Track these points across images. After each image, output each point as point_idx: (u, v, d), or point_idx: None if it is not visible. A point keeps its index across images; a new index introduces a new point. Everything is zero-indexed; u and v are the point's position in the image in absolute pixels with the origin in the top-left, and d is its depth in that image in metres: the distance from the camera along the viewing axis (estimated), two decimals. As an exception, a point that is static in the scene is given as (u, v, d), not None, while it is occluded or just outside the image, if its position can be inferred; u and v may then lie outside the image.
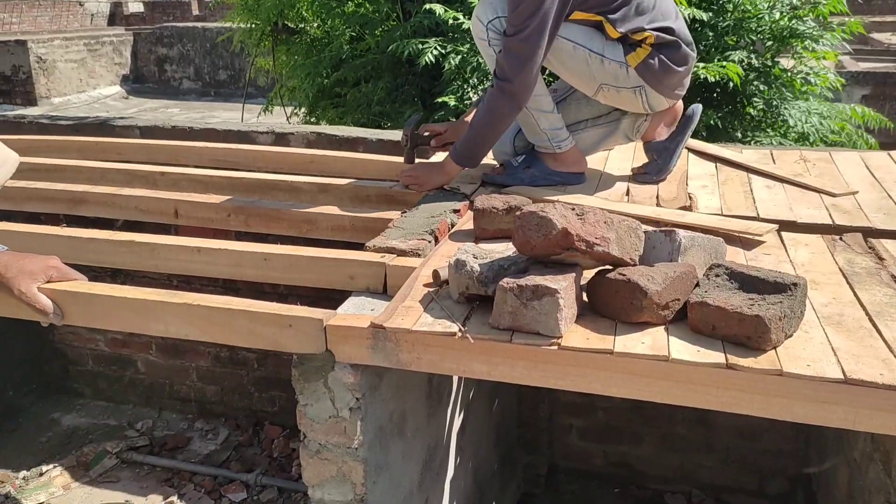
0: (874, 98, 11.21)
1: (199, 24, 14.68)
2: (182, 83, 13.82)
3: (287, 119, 6.65)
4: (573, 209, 1.39)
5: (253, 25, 5.64)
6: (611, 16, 2.03)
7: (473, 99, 3.92)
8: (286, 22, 5.64)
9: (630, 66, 2.06)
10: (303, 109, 6.04)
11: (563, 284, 1.31)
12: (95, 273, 2.30)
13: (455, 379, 2.10)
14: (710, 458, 2.85)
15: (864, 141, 3.90)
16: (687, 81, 2.19)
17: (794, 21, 3.33)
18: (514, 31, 1.98)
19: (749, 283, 1.31)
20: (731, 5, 3.39)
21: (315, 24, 5.42)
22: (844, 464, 2.15)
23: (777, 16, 3.31)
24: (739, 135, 3.36)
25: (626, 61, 2.06)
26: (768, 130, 3.48)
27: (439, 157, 2.45)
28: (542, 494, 2.95)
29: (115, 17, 21.78)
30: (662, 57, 2.06)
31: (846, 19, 3.80)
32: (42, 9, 20.28)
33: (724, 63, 3.21)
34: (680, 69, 2.10)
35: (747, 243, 1.76)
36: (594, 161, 2.41)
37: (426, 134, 2.40)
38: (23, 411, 3.45)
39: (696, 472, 2.88)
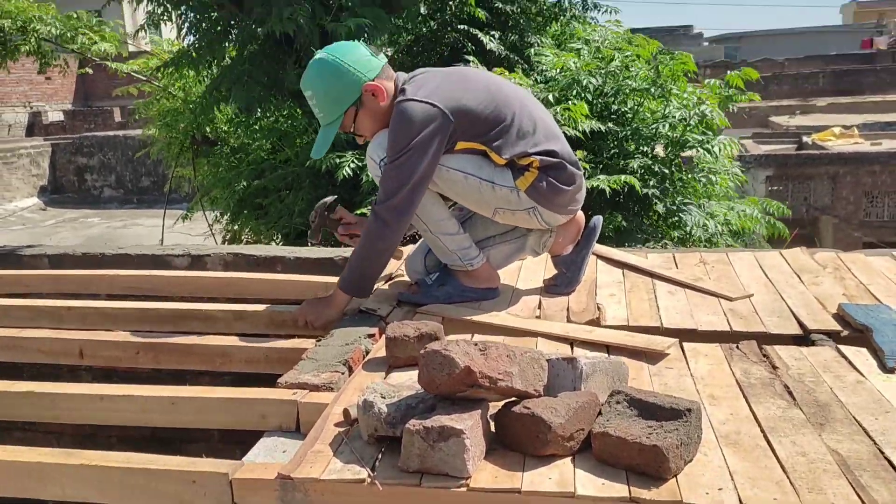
0: (777, 178, 11.97)
1: (120, 133, 14.61)
2: (103, 191, 13.62)
3: (209, 226, 6.62)
4: (476, 344, 1.42)
5: (171, 138, 5.68)
6: (493, 144, 2.13)
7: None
8: (206, 134, 5.69)
9: (520, 189, 2.15)
10: (225, 217, 6.03)
11: (468, 423, 1.32)
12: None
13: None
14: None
15: (771, 226, 4.15)
16: (580, 196, 2.29)
17: (687, 130, 3.56)
18: (389, 159, 2.07)
19: (648, 409, 1.35)
20: (628, 117, 3.61)
21: (234, 137, 5.49)
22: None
23: (667, 127, 3.55)
24: (645, 236, 3.52)
25: (515, 186, 2.15)
26: (672, 232, 3.66)
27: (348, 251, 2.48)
28: None
29: (34, 126, 21.46)
30: (550, 178, 2.16)
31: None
32: (-44, 121, 19.84)
33: (624, 176, 3.39)
34: (568, 188, 2.19)
35: (651, 356, 1.81)
36: (507, 273, 2.47)
37: (337, 217, 2.39)
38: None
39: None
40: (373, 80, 2.10)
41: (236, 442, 2.33)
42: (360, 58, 2.12)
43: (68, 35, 5.21)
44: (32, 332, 2.29)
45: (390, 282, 2.50)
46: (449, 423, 1.31)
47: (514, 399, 1.43)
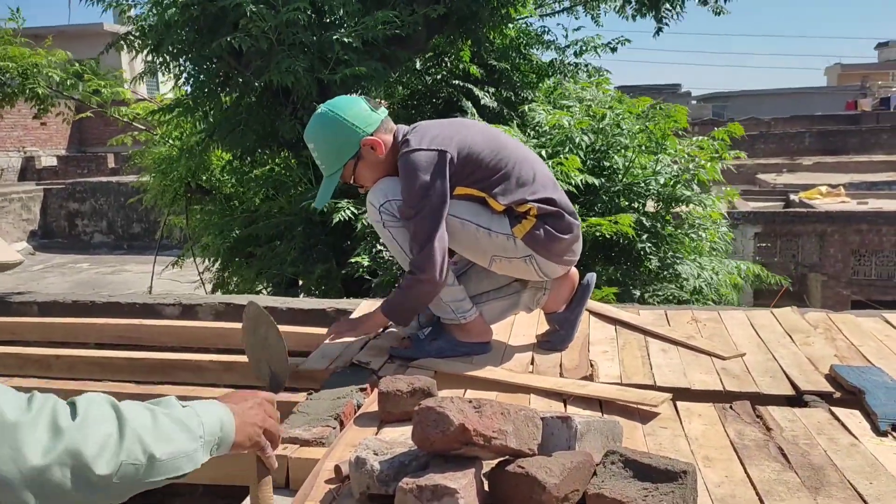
0: (765, 235, 12.11)
1: (113, 179, 14.67)
2: (93, 237, 13.59)
3: (199, 274, 6.60)
4: (470, 402, 1.41)
5: (165, 186, 5.70)
6: (492, 190, 2.16)
7: (386, 257, 4.01)
8: (200, 182, 5.73)
9: (517, 237, 2.17)
10: (216, 265, 6.02)
11: (462, 482, 1.30)
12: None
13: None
14: None
15: (769, 275, 4.19)
16: (577, 248, 2.30)
17: (677, 186, 3.62)
18: (411, 211, 2.10)
19: (643, 471, 1.34)
20: (620, 173, 3.67)
21: (228, 185, 5.52)
22: None
23: (661, 181, 3.60)
24: (639, 291, 3.54)
25: (512, 233, 2.17)
26: (666, 284, 3.68)
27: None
28: None
29: (27, 171, 21.51)
30: (547, 227, 2.18)
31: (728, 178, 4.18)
32: (-52, 164, 19.89)
33: (617, 219, 3.43)
34: (566, 237, 2.21)
35: (645, 415, 1.80)
36: (499, 328, 2.47)
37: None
38: None
39: None
40: (371, 135, 2.15)
41: (221, 497, 2.29)
42: (360, 112, 2.17)
43: (68, 82, 5.27)
44: (20, 380, 2.26)
45: (382, 333, 2.49)
46: (443, 482, 1.30)
47: (508, 458, 1.42)
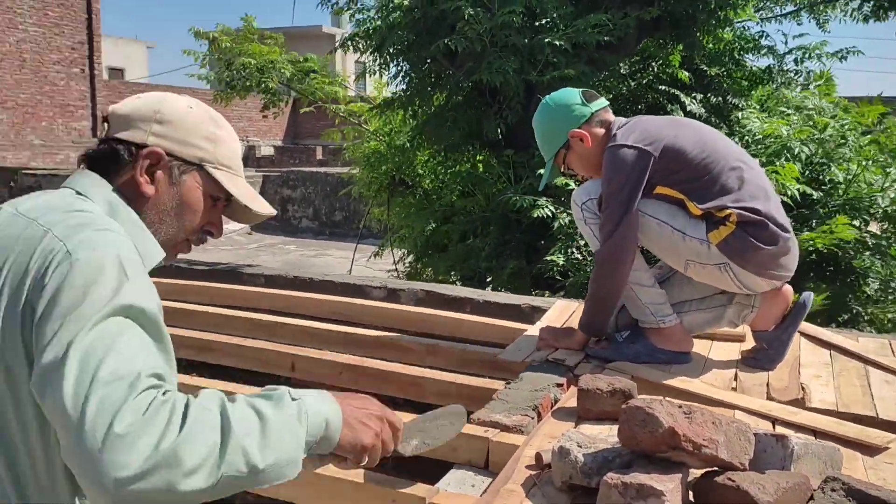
0: None
1: (321, 170, 15.84)
2: (301, 222, 14.78)
3: (394, 264, 6.98)
4: (680, 406, 1.40)
5: (372, 179, 6.08)
6: (692, 194, 2.12)
7: (578, 258, 4.02)
8: (403, 177, 6.05)
9: (711, 242, 2.10)
10: (411, 256, 6.34)
11: (668, 486, 1.30)
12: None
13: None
14: None
15: None
16: (786, 262, 2.16)
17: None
18: (605, 203, 2.18)
19: (868, 503, 1.26)
20: (840, 188, 3.40)
21: (428, 180, 5.78)
22: None
23: (891, 197, 3.29)
24: (856, 310, 3.26)
25: (707, 238, 2.10)
26: (890, 306, 3.36)
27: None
28: None
29: (249, 158, 23.89)
30: (748, 235, 2.08)
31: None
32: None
33: (832, 227, 3.16)
34: (767, 248, 2.09)
35: (867, 448, 1.68)
36: (700, 340, 2.39)
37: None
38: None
39: None
40: (580, 127, 2.25)
41: (418, 472, 2.43)
42: (571, 105, 2.29)
43: (297, 78, 5.80)
44: (251, 342, 2.54)
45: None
46: (649, 483, 1.30)
47: (715, 469, 1.39)
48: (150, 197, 1.23)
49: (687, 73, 4.92)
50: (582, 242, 3.92)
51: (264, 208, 1.37)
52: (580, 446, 1.48)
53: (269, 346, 2.45)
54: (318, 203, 14.70)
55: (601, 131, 2.26)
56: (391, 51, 4.54)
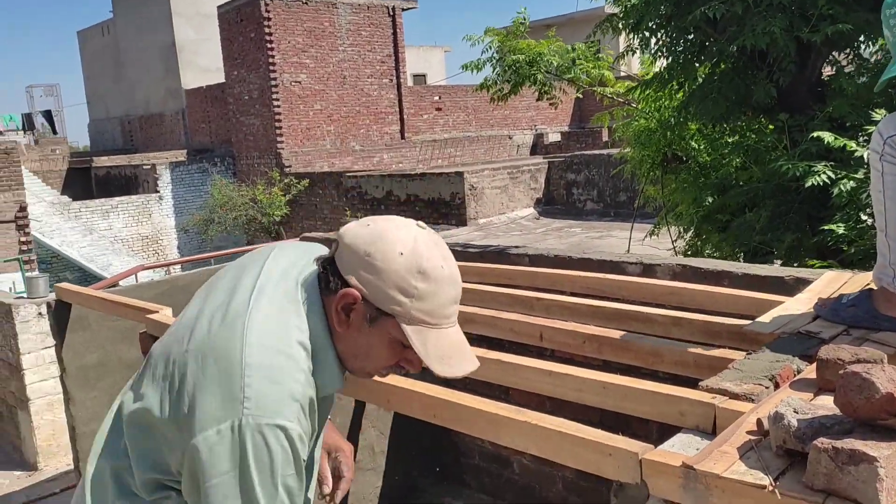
0: None
1: (604, 152, 15.87)
2: (586, 205, 14.98)
3: (672, 242, 6.82)
4: (906, 373, 1.32)
5: (643, 156, 6.04)
6: None
7: (869, 223, 3.64)
8: (675, 151, 5.91)
9: None
10: (688, 233, 6.16)
11: (885, 453, 1.25)
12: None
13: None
14: None
15: None
16: None
17: None
18: None
19: None
20: None
21: (702, 153, 5.58)
22: None
23: None
24: None
25: None
26: None
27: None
28: None
29: (536, 146, 24.77)
30: None
31: None
32: (479, 143, 24.06)
33: None
34: None
35: None
36: None
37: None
38: (423, 491, 4.08)
39: None
40: None
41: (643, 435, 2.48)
42: None
43: (564, 66, 5.98)
44: (508, 314, 2.79)
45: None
46: (861, 448, 1.26)
47: (949, 440, 1.29)
48: (341, 333, 1.32)
49: None
50: (869, 210, 3.54)
51: (451, 370, 1.37)
52: (796, 412, 1.46)
53: (522, 318, 2.68)
54: (601, 185, 14.77)
55: None
56: (651, 25, 4.50)
